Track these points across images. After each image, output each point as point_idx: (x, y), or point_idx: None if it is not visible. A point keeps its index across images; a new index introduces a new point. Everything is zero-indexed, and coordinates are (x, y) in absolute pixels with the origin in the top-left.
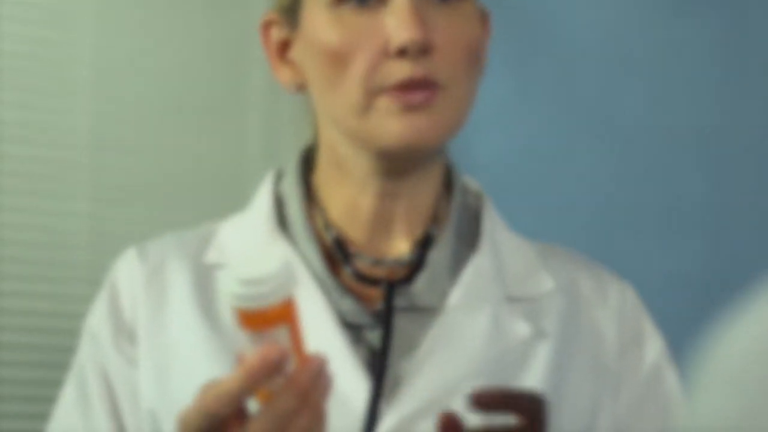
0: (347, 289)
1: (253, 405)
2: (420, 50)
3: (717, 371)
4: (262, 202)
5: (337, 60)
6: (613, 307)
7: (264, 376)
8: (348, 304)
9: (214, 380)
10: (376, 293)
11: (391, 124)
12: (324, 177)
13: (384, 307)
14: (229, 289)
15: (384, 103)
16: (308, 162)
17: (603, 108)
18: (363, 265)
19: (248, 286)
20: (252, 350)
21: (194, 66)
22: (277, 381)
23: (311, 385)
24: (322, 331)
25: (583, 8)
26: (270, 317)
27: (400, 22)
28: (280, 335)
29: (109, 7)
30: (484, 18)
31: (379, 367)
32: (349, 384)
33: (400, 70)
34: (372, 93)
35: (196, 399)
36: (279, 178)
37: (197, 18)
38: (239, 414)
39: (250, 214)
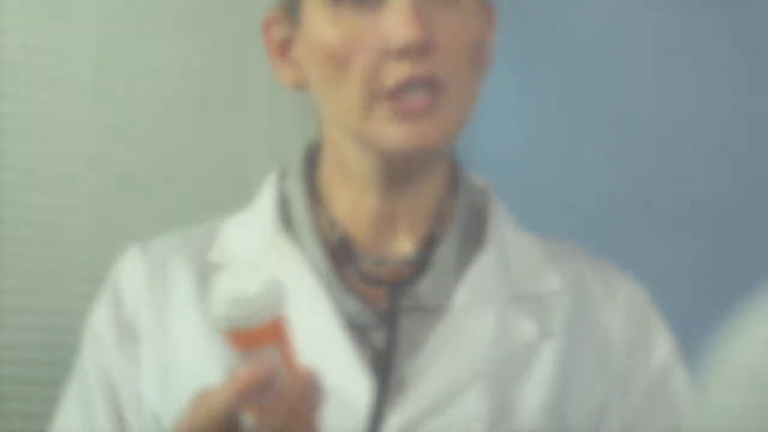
0: (352, 290)
1: (246, 417)
2: (421, 50)
3: (729, 370)
4: (266, 200)
5: (337, 60)
6: (622, 306)
7: (253, 394)
8: (353, 305)
9: (207, 390)
10: (380, 293)
11: (392, 130)
12: (328, 176)
13: (389, 307)
14: (215, 310)
15: (384, 109)
16: (312, 160)
17: (610, 103)
18: (367, 265)
19: (235, 306)
20: (241, 368)
21: (197, 61)
22: (267, 398)
23: (301, 401)
24: (326, 332)
25: (590, 3)
26: (258, 337)
27: (400, 22)
28: (269, 353)
29: (112, 1)
30: (488, 12)
31: (384, 368)
32: (353, 385)
33: (400, 70)
34: (373, 95)
35: (187, 412)
36: (283, 176)
37: (201, 13)
38: (232, 428)
39: (255, 212)
